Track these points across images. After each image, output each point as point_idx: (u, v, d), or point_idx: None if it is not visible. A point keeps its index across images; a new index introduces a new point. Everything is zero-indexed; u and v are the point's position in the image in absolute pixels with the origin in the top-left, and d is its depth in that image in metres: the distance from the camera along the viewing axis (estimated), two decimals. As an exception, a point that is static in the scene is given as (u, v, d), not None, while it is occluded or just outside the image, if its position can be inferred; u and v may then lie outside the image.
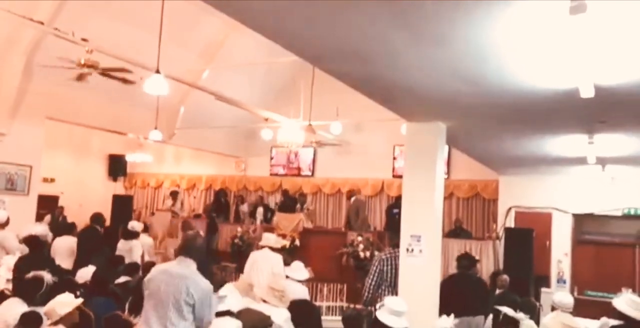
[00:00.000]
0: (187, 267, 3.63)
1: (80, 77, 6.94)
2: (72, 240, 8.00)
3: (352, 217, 10.63)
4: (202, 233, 11.03)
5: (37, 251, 5.78)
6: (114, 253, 7.65)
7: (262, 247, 6.58)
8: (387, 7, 2.64)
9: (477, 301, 5.93)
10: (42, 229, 7.74)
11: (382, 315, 3.97)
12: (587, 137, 5.83)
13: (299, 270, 5.68)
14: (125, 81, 7.19)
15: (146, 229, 8.67)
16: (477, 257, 6.87)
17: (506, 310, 4.89)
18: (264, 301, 4.51)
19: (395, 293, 5.16)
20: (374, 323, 4.02)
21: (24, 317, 3.99)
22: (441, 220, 5.56)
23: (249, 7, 2.78)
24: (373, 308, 5.44)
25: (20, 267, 5.47)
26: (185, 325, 3.52)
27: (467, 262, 6.12)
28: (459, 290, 5.45)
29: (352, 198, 10.87)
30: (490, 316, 5.82)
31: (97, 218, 8.15)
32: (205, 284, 3.61)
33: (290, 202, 11.51)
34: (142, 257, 8.19)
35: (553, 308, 5.24)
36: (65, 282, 5.98)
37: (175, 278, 3.55)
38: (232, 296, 4.01)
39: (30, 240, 5.78)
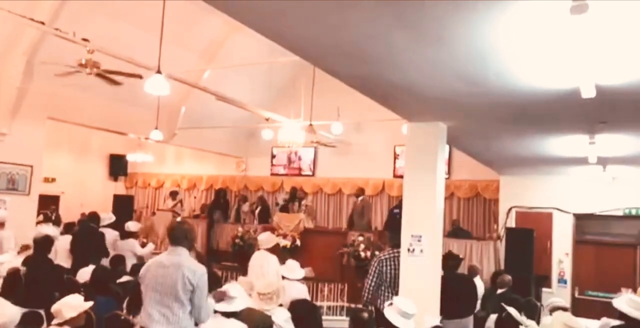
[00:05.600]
0: (178, 255, 3.66)
1: (71, 73, 6.88)
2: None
3: (357, 216, 10.62)
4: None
5: (43, 252, 5.77)
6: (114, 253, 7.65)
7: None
8: (387, 7, 2.64)
9: (465, 302, 5.94)
10: (52, 230, 7.76)
11: (390, 314, 3.95)
12: (588, 137, 5.82)
13: (295, 269, 5.67)
14: (114, 82, 7.13)
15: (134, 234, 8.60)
16: (461, 256, 6.78)
17: (511, 310, 4.90)
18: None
19: (396, 294, 5.16)
20: (382, 321, 4.00)
21: (25, 317, 4.00)
22: (442, 220, 5.57)
23: (250, 8, 2.78)
24: (373, 308, 5.45)
25: (27, 269, 5.47)
26: (185, 313, 3.55)
27: (453, 261, 6.11)
28: (447, 292, 5.42)
29: (360, 198, 10.88)
30: (493, 315, 5.83)
31: (92, 217, 8.15)
32: (200, 268, 3.66)
33: (292, 201, 11.48)
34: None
35: (551, 312, 5.29)
36: (67, 282, 6.00)
37: (169, 268, 3.58)
38: (241, 298, 4.00)
39: (43, 241, 5.77)
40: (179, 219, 10.24)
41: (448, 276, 5.72)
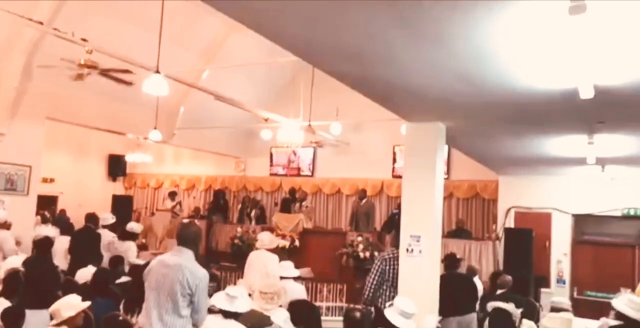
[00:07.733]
0: (182, 256, 3.63)
1: (79, 76, 6.93)
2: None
3: (362, 218, 10.59)
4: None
5: (44, 253, 5.76)
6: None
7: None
8: (386, 7, 2.64)
9: (466, 300, 5.97)
10: (52, 231, 7.74)
11: (390, 314, 3.95)
12: (587, 137, 5.83)
13: (289, 267, 5.68)
14: (124, 82, 7.17)
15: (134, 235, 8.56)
16: (459, 256, 7.15)
17: (499, 304, 4.92)
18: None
19: (397, 293, 5.16)
20: (381, 321, 4.00)
21: (4, 312, 4.02)
22: (441, 220, 5.57)
23: (249, 8, 2.78)
24: (373, 307, 5.44)
25: (28, 270, 5.46)
26: (182, 316, 3.53)
27: (448, 261, 6.29)
28: (448, 289, 5.47)
29: (364, 200, 10.86)
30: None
31: (91, 218, 8.12)
32: (202, 272, 3.63)
33: (290, 200, 11.46)
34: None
35: (552, 310, 5.27)
36: (65, 282, 5.99)
37: (171, 269, 3.55)
38: (242, 298, 3.99)
39: (43, 242, 5.75)
40: (186, 220, 10.22)
41: (446, 274, 5.77)
